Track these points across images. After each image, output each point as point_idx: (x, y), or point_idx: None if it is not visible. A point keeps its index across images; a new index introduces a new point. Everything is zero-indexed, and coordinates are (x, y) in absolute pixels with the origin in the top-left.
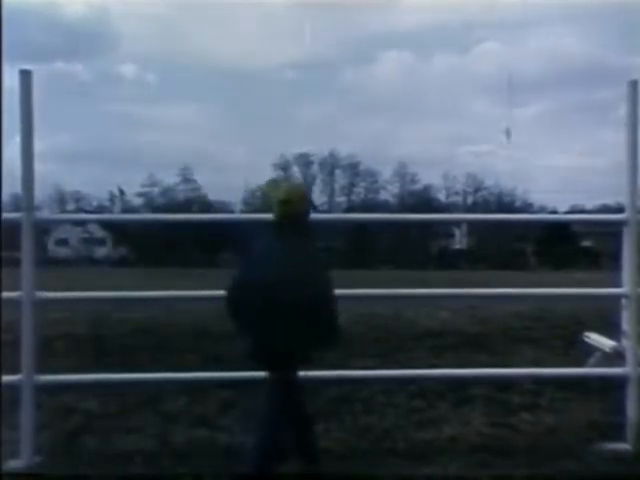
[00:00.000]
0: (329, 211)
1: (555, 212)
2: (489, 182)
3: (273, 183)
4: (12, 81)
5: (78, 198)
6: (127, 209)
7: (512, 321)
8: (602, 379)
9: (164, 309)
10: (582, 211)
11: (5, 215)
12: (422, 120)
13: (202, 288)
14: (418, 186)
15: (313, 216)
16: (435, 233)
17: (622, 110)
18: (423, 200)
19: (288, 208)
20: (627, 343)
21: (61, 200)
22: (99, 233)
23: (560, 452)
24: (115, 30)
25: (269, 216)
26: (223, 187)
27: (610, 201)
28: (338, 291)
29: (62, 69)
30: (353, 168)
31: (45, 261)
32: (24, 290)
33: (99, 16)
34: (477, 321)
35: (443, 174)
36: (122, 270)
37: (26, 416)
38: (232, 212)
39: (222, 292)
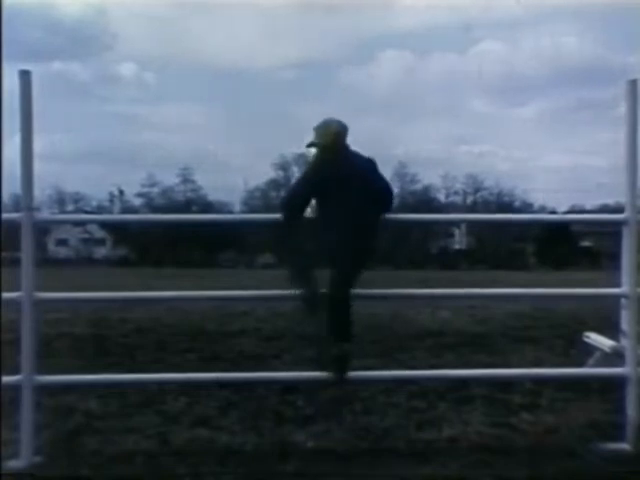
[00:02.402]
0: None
1: (555, 212)
2: (489, 182)
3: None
4: (11, 81)
5: (78, 198)
6: (127, 209)
7: (512, 321)
8: (602, 379)
9: (164, 309)
10: (582, 211)
11: (5, 215)
12: (422, 120)
13: (202, 288)
14: (418, 186)
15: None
16: (435, 233)
17: (621, 109)
18: (423, 200)
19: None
20: (627, 343)
21: (61, 200)
22: (99, 233)
23: (560, 452)
24: (113, 30)
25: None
26: (223, 187)
27: (610, 201)
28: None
29: (60, 69)
30: None
31: (45, 261)
32: (24, 290)
33: (97, 16)
34: (477, 321)
35: (443, 174)
36: (122, 270)
37: (26, 416)
38: (232, 212)
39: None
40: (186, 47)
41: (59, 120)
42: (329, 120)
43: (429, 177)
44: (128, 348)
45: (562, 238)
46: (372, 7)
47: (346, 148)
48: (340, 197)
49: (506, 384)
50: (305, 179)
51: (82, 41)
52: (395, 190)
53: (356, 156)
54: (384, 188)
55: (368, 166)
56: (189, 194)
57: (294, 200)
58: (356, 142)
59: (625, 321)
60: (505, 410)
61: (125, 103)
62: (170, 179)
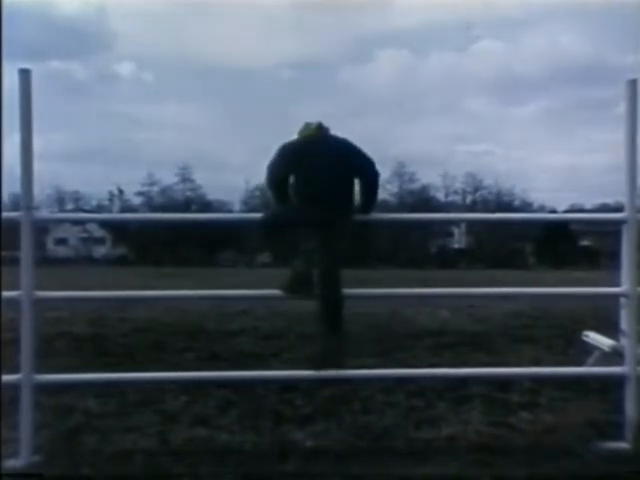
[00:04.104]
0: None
1: (554, 211)
2: (488, 181)
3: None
4: (10, 80)
5: (77, 197)
6: (126, 208)
7: (511, 320)
8: (601, 378)
9: (163, 308)
10: (581, 210)
11: (4, 214)
12: (421, 119)
13: (202, 288)
14: (417, 185)
15: None
16: (434, 232)
17: (621, 109)
18: (422, 199)
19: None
20: (626, 342)
21: (60, 199)
22: (98, 232)
23: (559, 451)
24: (113, 29)
25: None
26: (222, 186)
27: (609, 200)
28: None
29: (59, 68)
30: None
31: (44, 260)
32: (23, 289)
33: (96, 14)
34: (476, 320)
35: (442, 173)
36: (121, 269)
37: (25, 416)
38: (231, 211)
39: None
40: (185, 46)
41: (58, 119)
42: (310, 122)
43: (428, 176)
44: (127, 347)
45: (562, 237)
46: (371, 6)
47: (325, 133)
48: (315, 171)
49: (505, 383)
50: (279, 155)
51: (81, 40)
52: (394, 190)
53: (332, 137)
54: (364, 163)
55: (344, 144)
56: (188, 193)
57: (273, 176)
58: (355, 141)
59: (624, 320)
60: (504, 409)
61: (124, 102)
62: (169, 178)
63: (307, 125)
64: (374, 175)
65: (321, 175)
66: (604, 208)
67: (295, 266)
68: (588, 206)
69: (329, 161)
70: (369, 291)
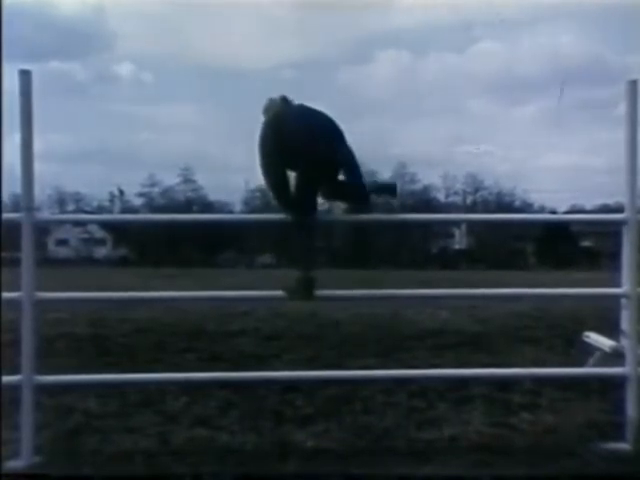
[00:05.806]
0: (329, 211)
1: (555, 212)
2: (488, 182)
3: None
4: (10, 81)
5: (78, 198)
6: (127, 209)
7: (512, 321)
8: (602, 379)
9: (164, 309)
10: (582, 211)
11: (5, 215)
12: (421, 120)
13: (202, 288)
14: (417, 186)
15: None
16: (435, 233)
17: (622, 109)
18: (422, 200)
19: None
20: (627, 343)
21: (61, 200)
22: (99, 233)
23: (560, 452)
24: (112, 29)
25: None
26: (223, 187)
27: (610, 201)
28: (338, 291)
29: (59, 68)
30: None
31: (45, 261)
32: (24, 290)
33: (95, 15)
34: (477, 321)
35: (442, 174)
36: (122, 270)
37: (26, 416)
38: (232, 212)
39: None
40: (185, 46)
41: (58, 120)
42: (272, 97)
43: (428, 177)
44: (128, 348)
45: (562, 238)
46: (371, 7)
47: (295, 106)
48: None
49: (506, 384)
50: (267, 149)
51: (81, 40)
52: None
53: (301, 108)
54: (346, 158)
55: (323, 122)
56: (189, 194)
57: (271, 171)
58: (356, 142)
59: (625, 321)
60: (505, 410)
61: (125, 103)
62: (170, 179)
63: (272, 101)
64: (352, 171)
65: (308, 146)
66: (604, 209)
67: (302, 268)
68: (588, 207)
69: (309, 131)
70: (370, 292)
